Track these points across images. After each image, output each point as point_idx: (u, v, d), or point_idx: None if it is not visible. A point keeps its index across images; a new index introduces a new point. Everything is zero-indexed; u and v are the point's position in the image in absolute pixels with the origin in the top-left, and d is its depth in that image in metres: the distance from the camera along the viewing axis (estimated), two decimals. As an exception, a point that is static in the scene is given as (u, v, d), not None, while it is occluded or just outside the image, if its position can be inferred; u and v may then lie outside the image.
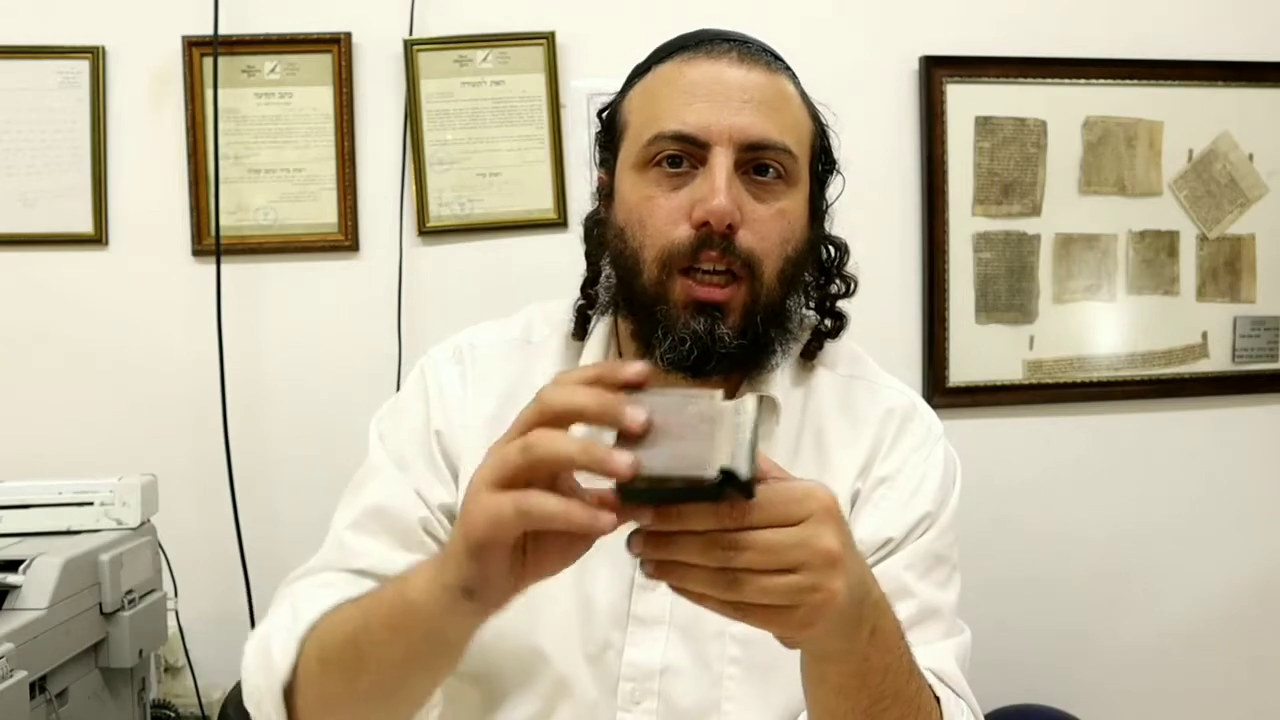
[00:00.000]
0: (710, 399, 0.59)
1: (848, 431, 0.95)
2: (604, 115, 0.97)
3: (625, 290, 0.90)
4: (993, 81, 1.88)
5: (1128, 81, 1.91)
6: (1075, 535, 1.94)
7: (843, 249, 0.99)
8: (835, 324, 0.99)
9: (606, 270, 0.94)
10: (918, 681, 0.78)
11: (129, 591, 1.35)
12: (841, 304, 1.00)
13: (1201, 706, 1.98)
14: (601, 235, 0.94)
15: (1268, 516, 1.99)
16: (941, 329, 1.89)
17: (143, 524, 1.44)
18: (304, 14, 1.78)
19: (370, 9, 1.79)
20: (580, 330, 0.96)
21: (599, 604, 0.90)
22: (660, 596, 0.89)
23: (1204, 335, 1.97)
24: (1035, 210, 1.91)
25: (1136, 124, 1.93)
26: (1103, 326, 1.94)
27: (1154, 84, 1.92)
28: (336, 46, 1.78)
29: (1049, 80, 1.89)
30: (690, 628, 0.90)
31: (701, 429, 0.57)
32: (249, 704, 0.84)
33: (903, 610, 0.86)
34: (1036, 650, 1.93)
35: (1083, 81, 1.90)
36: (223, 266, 1.76)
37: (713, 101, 0.85)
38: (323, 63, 1.79)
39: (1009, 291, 1.91)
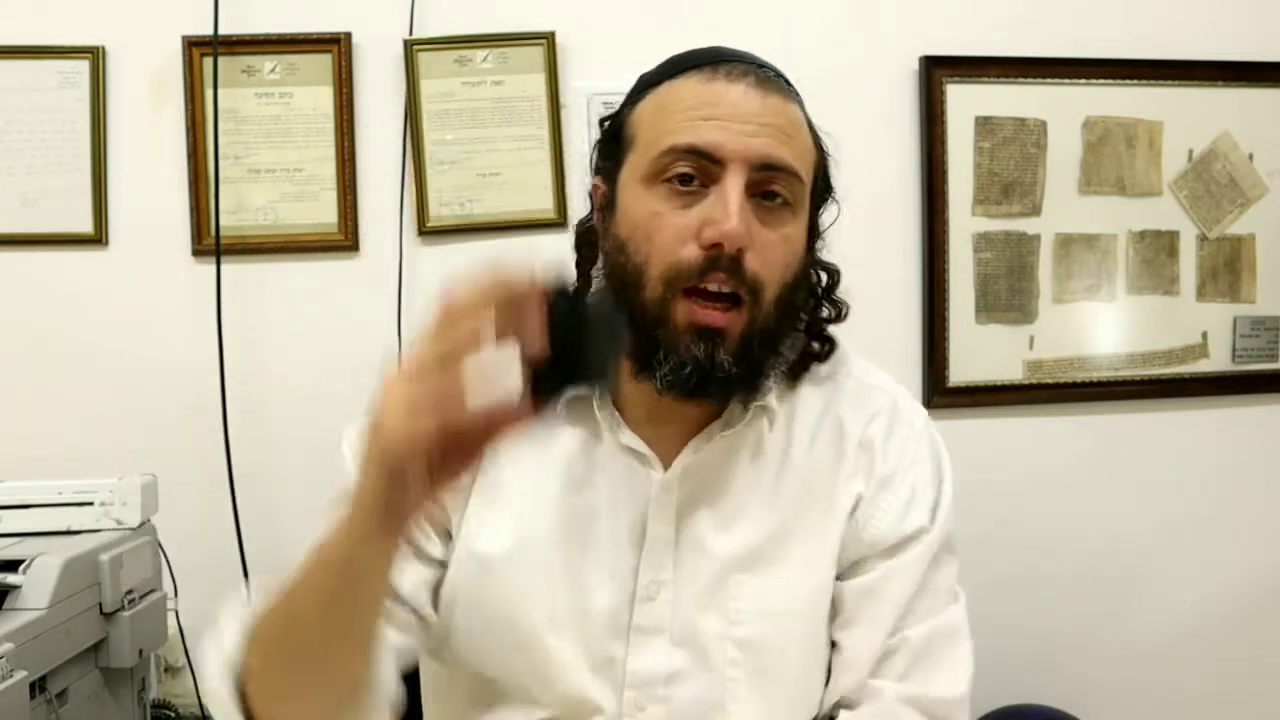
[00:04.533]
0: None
1: (832, 446, 0.95)
2: (607, 124, 0.95)
3: (625, 303, 0.88)
4: (993, 81, 1.88)
5: (1128, 81, 1.91)
6: (1075, 535, 1.94)
7: (834, 274, 0.99)
8: (824, 348, 0.98)
9: (596, 281, 0.93)
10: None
11: (129, 591, 1.35)
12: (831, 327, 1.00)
13: (1202, 706, 1.98)
14: (598, 245, 0.93)
15: (1268, 516, 1.99)
16: (941, 329, 1.89)
17: (143, 524, 1.44)
18: (304, 14, 1.78)
19: (370, 9, 1.79)
20: None
21: (599, 617, 0.91)
22: (660, 606, 0.91)
23: (1204, 335, 1.97)
24: (1035, 210, 1.91)
25: (1136, 124, 1.93)
26: (1103, 326, 1.94)
27: (1154, 84, 1.92)
28: (336, 46, 1.78)
29: (1049, 80, 1.89)
30: (689, 635, 0.91)
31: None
32: (210, 706, 0.83)
33: (905, 593, 0.91)
34: (1036, 650, 1.93)
35: (1083, 81, 1.90)
36: (223, 266, 1.76)
37: (730, 121, 0.85)
38: (323, 63, 1.79)
39: (1009, 291, 1.91)
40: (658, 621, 0.91)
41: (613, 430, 0.93)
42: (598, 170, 0.95)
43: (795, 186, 0.88)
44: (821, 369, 0.99)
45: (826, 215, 0.96)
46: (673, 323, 0.85)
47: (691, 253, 0.84)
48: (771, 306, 0.87)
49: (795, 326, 0.94)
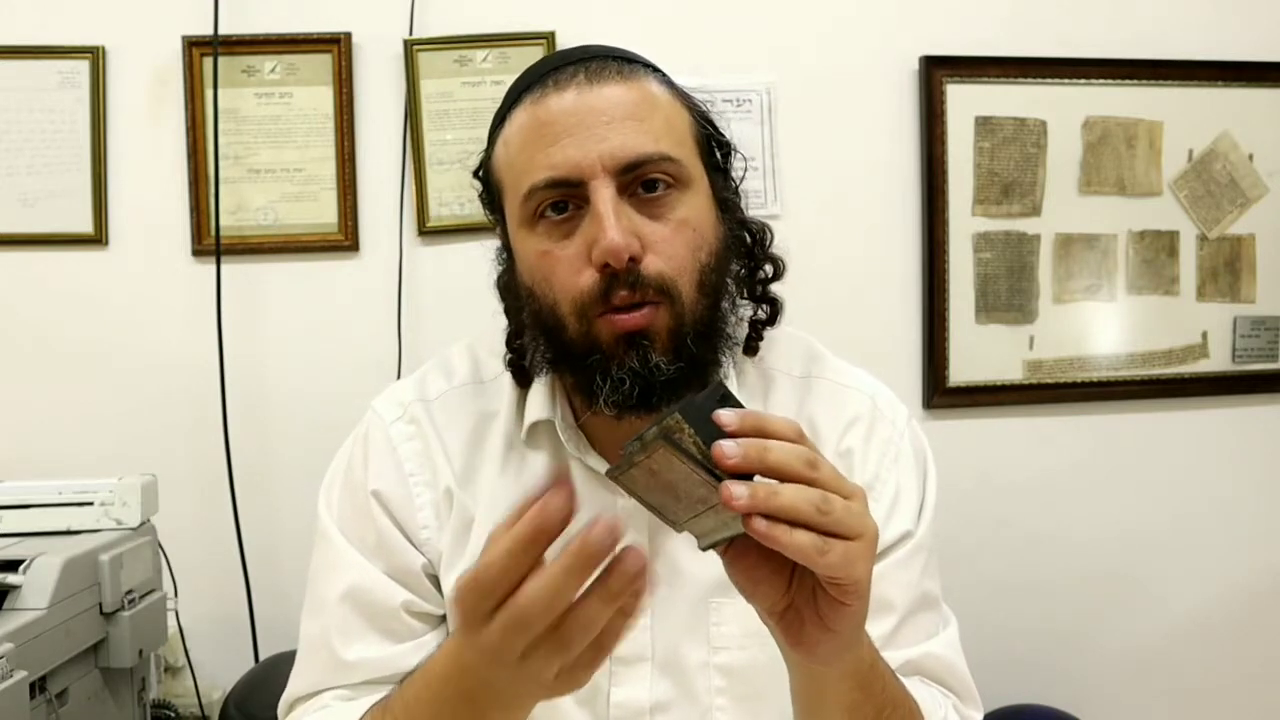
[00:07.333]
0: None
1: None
2: (480, 175, 0.92)
3: (554, 346, 0.85)
4: (993, 81, 1.88)
5: (1128, 81, 1.91)
6: (1075, 535, 1.94)
7: (762, 229, 0.93)
8: (771, 310, 0.94)
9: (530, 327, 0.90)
10: (903, 685, 0.79)
11: (129, 591, 1.35)
12: (775, 288, 0.94)
13: (1201, 706, 1.98)
14: (515, 295, 0.90)
15: (1268, 516, 1.99)
16: (941, 329, 1.89)
17: (143, 524, 1.44)
18: (304, 14, 1.78)
19: (370, 9, 1.79)
20: (521, 379, 0.93)
21: None
22: (639, 634, 0.88)
23: (1204, 335, 1.97)
24: (1035, 210, 1.91)
25: (1136, 124, 1.93)
26: (1103, 326, 1.94)
27: (1154, 84, 1.92)
28: (336, 46, 1.78)
29: (1049, 80, 1.89)
30: (672, 662, 0.89)
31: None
32: None
33: (900, 602, 0.88)
34: (1036, 650, 1.93)
35: (1083, 81, 1.90)
36: (223, 266, 1.76)
37: (574, 135, 0.81)
38: (323, 63, 1.79)
39: (1009, 291, 1.91)
40: (639, 650, 0.89)
41: (580, 454, 0.90)
42: (495, 223, 0.93)
43: (671, 166, 0.82)
44: (794, 364, 0.96)
45: (735, 169, 0.91)
46: (602, 344, 0.82)
47: (589, 279, 0.80)
48: (695, 295, 0.83)
49: (734, 299, 0.90)
